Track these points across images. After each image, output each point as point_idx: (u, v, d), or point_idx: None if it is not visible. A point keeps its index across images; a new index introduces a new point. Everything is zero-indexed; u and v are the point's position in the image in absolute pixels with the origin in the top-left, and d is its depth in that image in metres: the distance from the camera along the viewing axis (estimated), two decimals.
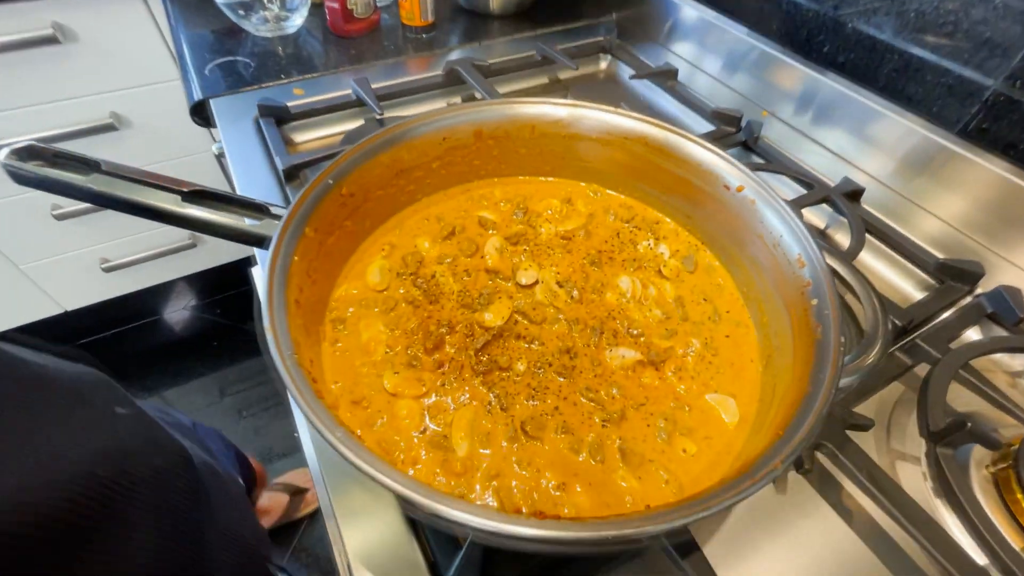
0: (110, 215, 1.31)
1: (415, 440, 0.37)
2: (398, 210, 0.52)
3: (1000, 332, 0.55)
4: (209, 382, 1.67)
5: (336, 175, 0.43)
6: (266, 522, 1.29)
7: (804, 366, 0.34)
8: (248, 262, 0.84)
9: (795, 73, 0.80)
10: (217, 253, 1.59)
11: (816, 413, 0.29)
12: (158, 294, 1.75)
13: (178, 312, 1.82)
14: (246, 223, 0.42)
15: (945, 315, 0.57)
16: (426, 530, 0.39)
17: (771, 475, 0.26)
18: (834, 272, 0.47)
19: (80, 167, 0.42)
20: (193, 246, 1.51)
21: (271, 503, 1.31)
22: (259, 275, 0.79)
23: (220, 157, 0.86)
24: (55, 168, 0.41)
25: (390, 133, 0.47)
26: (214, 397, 1.64)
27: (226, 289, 1.83)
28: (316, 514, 1.39)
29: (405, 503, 0.33)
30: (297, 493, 1.35)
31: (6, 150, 0.39)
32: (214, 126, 0.78)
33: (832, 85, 0.75)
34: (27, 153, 0.40)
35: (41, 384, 0.34)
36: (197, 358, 1.71)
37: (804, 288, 0.38)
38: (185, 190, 0.42)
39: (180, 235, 1.48)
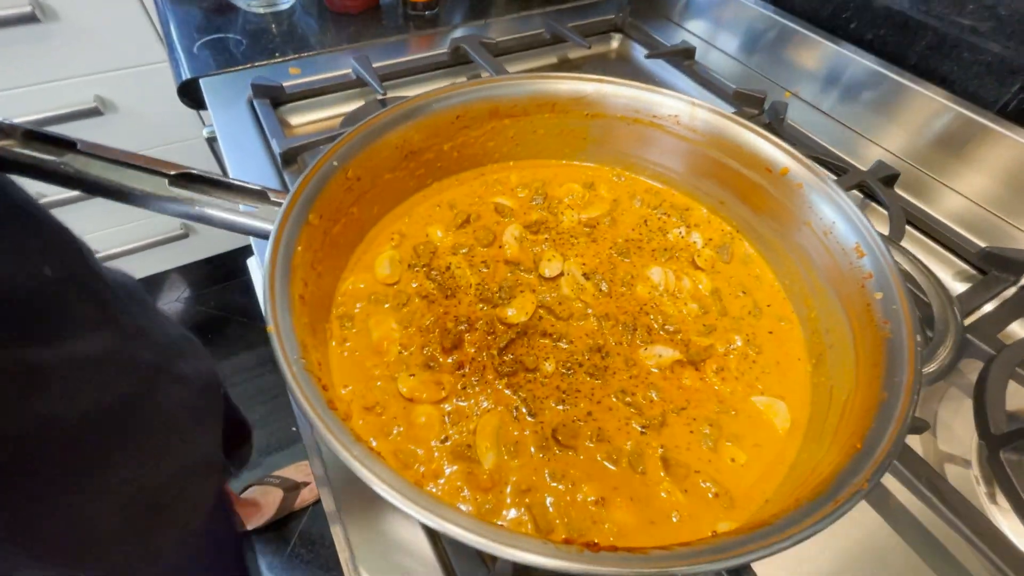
0: (97, 204, 1.25)
1: (435, 451, 0.34)
2: (407, 196, 0.48)
3: None
4: None
5: (341, 156, 0.39)
6: (261, 518, 1.26)
7: (873, 368, 0.30)
8: (244, 252, 0.80)
9: (820, 51, 0.76)
10: (211, 243, 1.54)
11: (899, 421, 0.26)
12: (150, 285, 1.70)
13: (171, 304, 1.77)
14: (242, 210, 0.37)
15: (987, 308, 0.54)
16: (448, 553, 0.36)
17: (858, 495, 0.23)
18: None
19: (54, 148, 0.37)
20: (185, 236, 1.46)
21: (266, 498, 1.28)
22: (257, 268, 0.75)
23: (212, 141, 0.81)
24: (26, 148, 0.37)
25: (399, 110, 0.43)
26: None
27: (221, 280, 1.79)
28: (313, 509, 1.36)
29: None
30: (294, 488, 1.32)
31: None
32: (205, 108, 0.73)
33: (860, 63, 0.71)
34: None
35: None
36: None
37: (865, 280, 0.34)
38: (172, 173, 0.37)
39: (171, 225, 1.43)
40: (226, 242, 1.57)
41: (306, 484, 1.35)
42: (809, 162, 0.40)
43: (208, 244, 1.54)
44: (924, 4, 0.69)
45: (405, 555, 0.36)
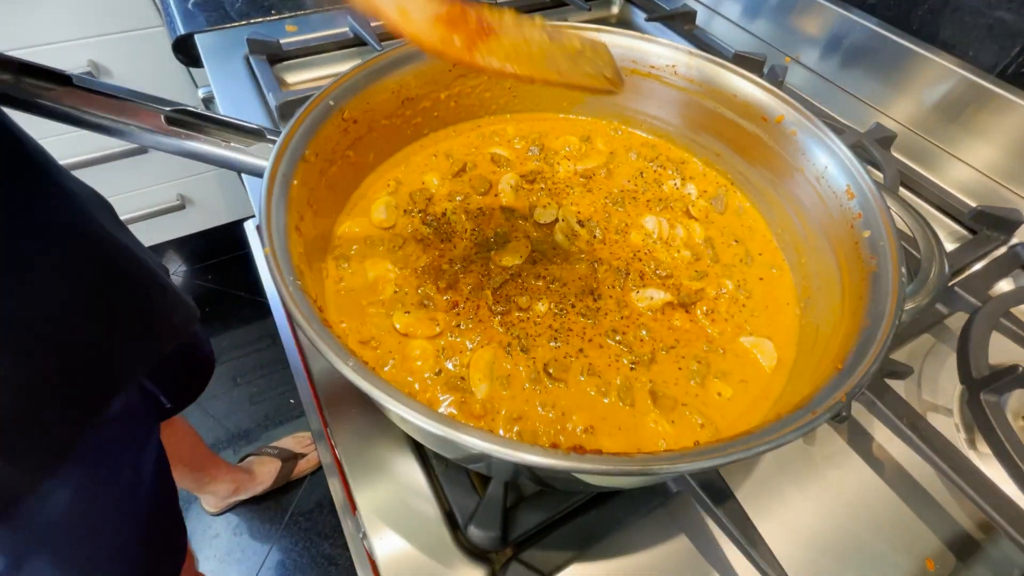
0: (89, 172, 1.25)
1: (429, 382, 0.34)
2: (404, 145, 0.48)
3: None
4: None
5: (337, 96, 0.39)
6: (257, 487, 1.28)
7: (858, 301, 0.31)
8: (241, 225, 0.80)
9: (821, 15, 0.75)
10: (208, 215, 1.53)
11: (880, 343, 0.26)
12: None
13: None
14: (237, 147, 0.38)
15: (977, 266, 0.54)
16: (441, 481, 0.37)
17: (835, 408, 0.24)
18: None
19: (50, 82, 0.37)
20: (182, 207, 1.45)
21: (263, 468, 1.29)
22: (255, 232, 0.75)
23: (208, 102, 0.80)
24: (21, 83, 0.36)
25: (396, 54, 0.43)
26: None
27: (219, 254, 1.78)
28: (310, 479, 1.38)
29: (438, 440, 0.30)
30: (291, 458, 1.34)
31: None
32: (200, 66, 0.72)
33: (864, 26, 0.71)
34: None
35: None
36: None
37: (854, 221, 0.35)
38: (168, 109, 0.37)
39: (167, 196, 1.42)
40: (223, 214, 1.56)
41: (303, 455, 1.36)
42: (803, 108, 0.40)
43: (205, 216, 1.53)
44: None
45: (401, 487, 0.37)
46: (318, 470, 1.40)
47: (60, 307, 0.38)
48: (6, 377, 0.35)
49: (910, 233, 0.38)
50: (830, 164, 0.38)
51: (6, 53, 0.37)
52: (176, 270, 1.77)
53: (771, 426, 0.24)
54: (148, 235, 1.48)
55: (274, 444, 1.37)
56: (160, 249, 1.71)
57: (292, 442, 1.39)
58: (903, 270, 0.30)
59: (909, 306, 0.35)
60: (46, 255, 0.38)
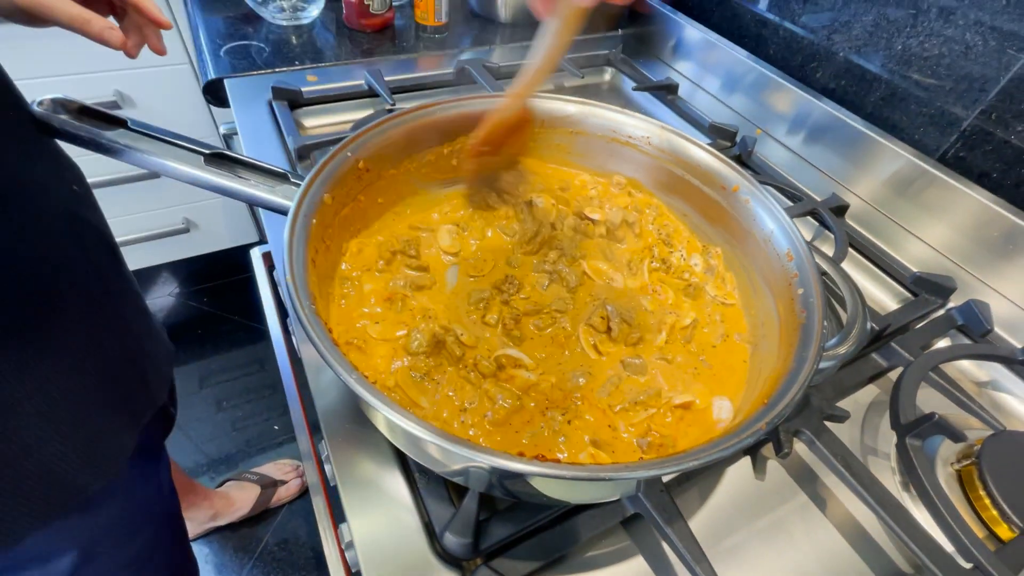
0: (101, 193, 1.30)
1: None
2: (410, 195, 0.54)
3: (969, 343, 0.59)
4: (190, 371, 1.64)
5: (354, 149, 0.45)
6: (235, 514, 1.27)
7: (789, 348, 0.36)
8: (243, 251, 0.85)
9: (790, 96, 0.84)
10: (210, 239, 1.58)
11: (799, 384, 0.31)
12: (142, 279, 1.73)
13: (163, 298, 1.79)
14: (264, 187, 0.43)
15: (919, 325, 0.60)
16: (423, 494, 0.40)
17: (756, 434, 0.29)
18: (821, 272, 0.50)
19: (106, 124, 0.43)
20: (186, 231, 1.50)
21: (242, 493, 1.29)
22: (260, 259, 0.80)
23: (229, 137, 0.87)
24: (82, 122, 0.42)
25: (408, 115, 0.49)
26: (193, 387, 1.61)
27: (216, 278, 1.81)
28: (288, 508, 1.37)
29: (426, 448, 0.35)
30: (271, 485, 1.33)
31: (38, 100, 0.40)
32: (226, 105, 0.79)
33: (824, 109, 0.80)
34: (58, 105, 0.41)
35: None
36: (179, 345, 1.68)
37: (792, 279, 0.41)
38: (207, 152, 0.43)
39: (173, 219, 1.47)
40: (225, 239, 1.61)
41: (283, 482, 1.36)
42: (755, 181, 0.47)
43: (207, 241, 1.57)
44: (878, 59, 0.78)
45: (386, 499, 0.41)
46: (296, 499, 1.39)
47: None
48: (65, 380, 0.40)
49: (840, 293, 0.44)
50: (775, 229, 0.44)
51: (68, 96, 0.43)
52: (172, 291, 1.80)
53: (703, 447, 0.29)
54: (150, 256, 1.52)
55: (255, 470, 1.36)
56: (157, 270, 1.74)
57: (273, 468, 1.39)
58: (825, 323, 0.35)
59: (839, 351, 0.40)
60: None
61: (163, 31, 0.49)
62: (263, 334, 1.81)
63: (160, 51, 0.48)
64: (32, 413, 0.38)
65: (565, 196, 0.56)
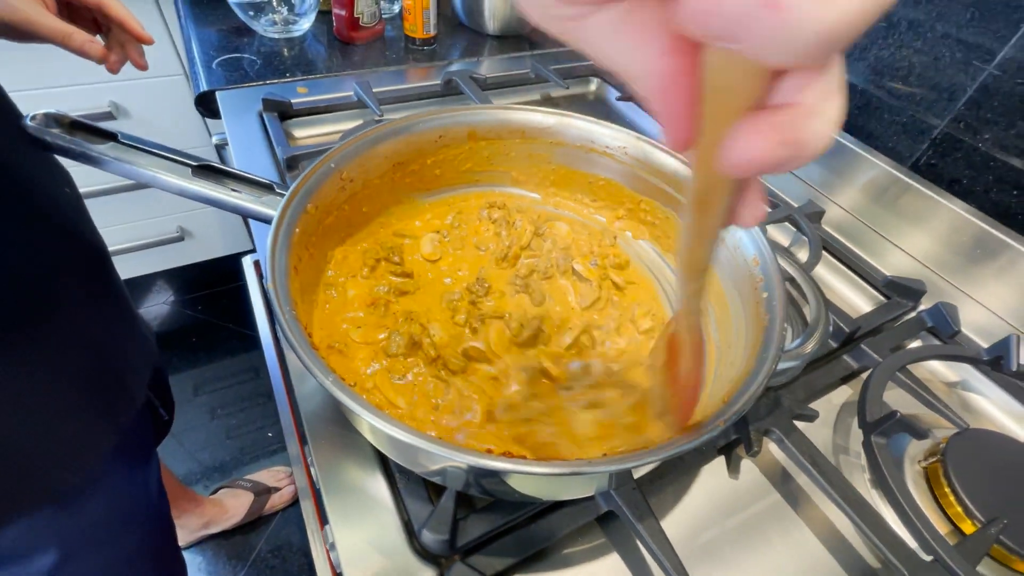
0: (96, 202, 1.32)
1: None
2: (394, 203, 0.56)
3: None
4: (184, 378, 1.64)
5: (338, 160, 0.47)
6: (228, 521, 1.27)
7: (753, 349, 0.38)
8: (236, 259, 0.86)
9: None
10: (205, 248, 1.59)
11: (759, 384, 0.33)
12: (137, 287, 1.74)
13: (157, 306, 1.79)
14: (249, 198, 0.45)
15: (890, 328, 0.62)
16: (403, 494, 0.42)
17: (716, 429, 0.30)
18: (790, 279, 0.52)
19: (98, 137, 0.44)
20: (180, 239, 1.51)
21: (235, 500, 1.29)
22: (251, 266, 0.81)
23: (220, 148, 0.89)
24: (73, 136, 0.44)
25: (391, 127, 0.51)
26: (188, 394, 1.61)
27: (211, 286, 1.82)
28: (282, 515, 1.38)
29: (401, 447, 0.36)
30: (264, 492, 1.34)
31: (31, 115, 0.42)
32: (217, 117, 0.81)
33: None
34: (50, 120, 0.43)
35: None
36: (173, 353, 1.68)
37: (758, 284, 0.42)
38: (194, 164, 0.45)
39: (168, 227, 1.49)
40: (219, 248, 1.62)
41: (277, 489, 1.37)
42: None
43: (201, 249, 1.59)
44: (854, 69, 0.80)
45: (368, 499, 0.42)
46: (290, 506, 1.40)
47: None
48: (51, 380, 0.41)
49: (804, 299, 0.46)
50: (743, 236, 0.46)
51: (60, 111, 0.45)
52: (166, 299, 1.81)
53: (667, 443, 0.30)
54: (145, 264, 1.53)
55: (248, 477, 1.37)
56: (152, 278, 1.75)
57: (267, 476, 1.39)
58: (785, 326, 0.37)
59: (803, 351, 0.42)
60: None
61: (155, 45, 0.51)
62: (257, 342, 1.82)
63: (141, 66, 0.50)
64: (6, 410, 0.39)
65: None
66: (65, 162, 0.50)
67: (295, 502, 1.39)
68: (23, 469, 0.41)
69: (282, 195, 0.45)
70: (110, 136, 0.44)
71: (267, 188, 0.46)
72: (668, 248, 0.57)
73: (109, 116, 1.20)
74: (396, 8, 1.10)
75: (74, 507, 0.47)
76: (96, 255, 0.50)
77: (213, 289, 1.82)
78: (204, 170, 0.45)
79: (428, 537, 0.37)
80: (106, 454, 0.48)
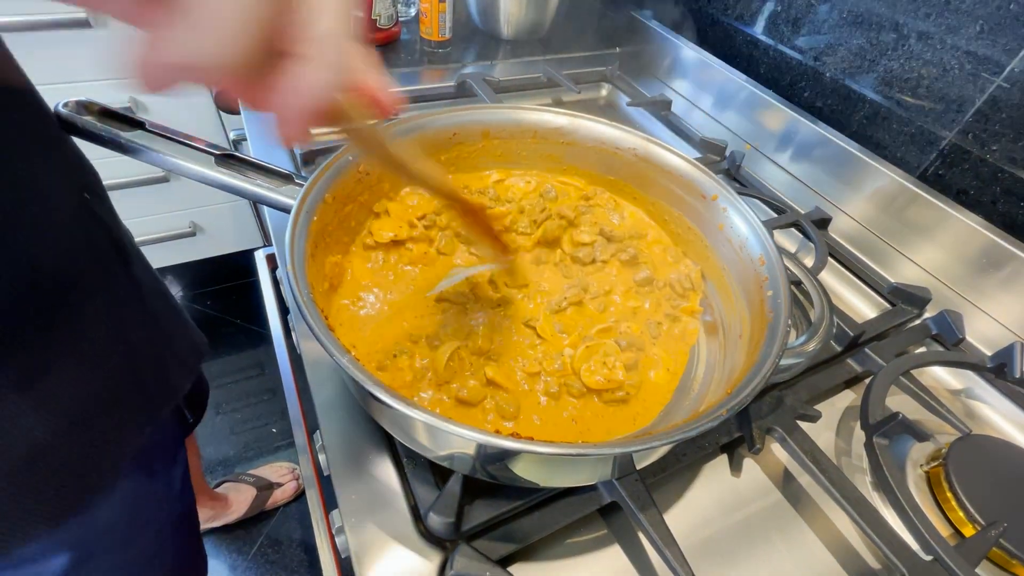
0: (112, 196, 1.34)
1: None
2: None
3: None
4: None
5: (356, 153, 0.48)
6: (231, 515, 1.28)
7: (755, 345, 0.39)
8: (248, 255, 0.88)
9: (778, 114, 0.88)
10: (216, 243, 1.61)
11: (762, 376, 0.34)
12: None
13: None
14: (270, 187, 0.46)
15: (895, 334, 0.63)
16: (410, 479, 0.43)
17: (718, 418, 0.31)
18: (796, 282, 0.52)
19: (126, 125, 0.46)
20: (192, 234, 1.54)
21: (238, 495, 1.30)
22: (264, 261, 0.83)
23: (237, 144, 0.91)
24: (103, 123, 0.45)
25: (407, 123, 0.52)
26: None
27: (220, 281, 1.84)
28: (283, 510, 1.38)
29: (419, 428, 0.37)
30: (267, 487, 1.34)
31: (64, 101, 0.44)
32: (236, 112, 0.83)
33: (811, 127, 0.83)
34: (81, 107, 0.44)
35: None
36: None
37: (763, 282, 0.43)
38: (218, 153, 0.46)
39: (180, 222, 1.51)
40: (230, 243, 1.64)
41: (279, 484, 1.37)
42: (731, 189, 0.49)
43: (213, 244, 1.61)
44: (863, 80, 0.81)
45: (377, 483, 0.43)
46: (292, 502, 1.40)
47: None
48: (83, 378, 0.41)
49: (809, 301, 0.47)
50: (750, 236, 0.47)
51: (90, 99, 0.46)
52: (176, 294, 1.83)
53: (672, 430, 0.31)
54: (156, 258, 1.55)
55: (251, 472, 1.38)
56: (163, 273, 1.77)
57: (269, 471, 1.40)
58: (788, 322, 0.38)
59: (806, 349, 0.42)
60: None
61: None
62: (264, 338, 1.83)
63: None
64: (44, 416, 0.38)
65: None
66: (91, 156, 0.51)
67: (297, 498, 1.40)
68: (60, 475, 0.40)
69: (301, 185, 0.46)
70: (138, 124, 0.46)
71: (286, 178, 0.47)
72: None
73: (129, 111, 1.22)
74: (412, 11, 1.12)
75: (94, 510, 0.46)
76: (121, 254, 0.49)
77: (222, 285, 1.84)
78: (227, 159, 0.46)
79: (434, 520, 0.38)
80: (134, 457, 0.48)
